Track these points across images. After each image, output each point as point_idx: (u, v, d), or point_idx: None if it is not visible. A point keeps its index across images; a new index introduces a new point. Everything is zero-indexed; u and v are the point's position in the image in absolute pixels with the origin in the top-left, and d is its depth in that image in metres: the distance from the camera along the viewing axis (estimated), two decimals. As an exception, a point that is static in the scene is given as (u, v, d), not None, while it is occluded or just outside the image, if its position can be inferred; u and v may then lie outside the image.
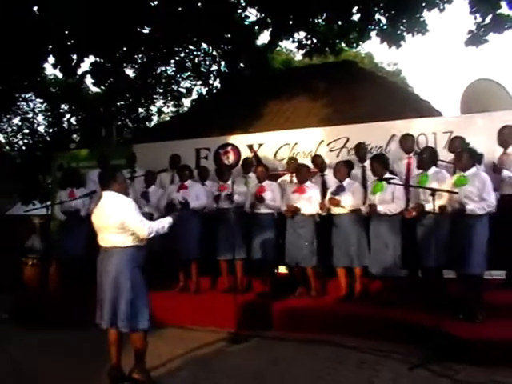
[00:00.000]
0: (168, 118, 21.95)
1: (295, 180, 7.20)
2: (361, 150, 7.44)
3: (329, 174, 7.29)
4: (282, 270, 7.65)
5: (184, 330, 6.40)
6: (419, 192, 5.94)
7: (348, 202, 6.57)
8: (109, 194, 4.54)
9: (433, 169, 6.01)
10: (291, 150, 8.41)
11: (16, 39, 10.85)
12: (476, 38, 10.93)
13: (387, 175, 6.19)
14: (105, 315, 4.38)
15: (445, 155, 6.66)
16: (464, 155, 5.68)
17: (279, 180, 7.70)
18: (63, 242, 7.87)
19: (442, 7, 11.62)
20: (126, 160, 8.44)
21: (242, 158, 8.58)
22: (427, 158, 6.06)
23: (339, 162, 6.99)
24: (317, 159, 7.66)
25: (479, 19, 10.78)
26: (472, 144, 6.43)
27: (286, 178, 7.74)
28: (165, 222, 4.67)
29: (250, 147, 8.76)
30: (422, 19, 12.07)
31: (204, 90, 21.11)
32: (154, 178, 8.00)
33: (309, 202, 6.83)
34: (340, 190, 6.68)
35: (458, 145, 6.55)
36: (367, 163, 7.08)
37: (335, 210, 6.68)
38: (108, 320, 4.37)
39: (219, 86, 19.20)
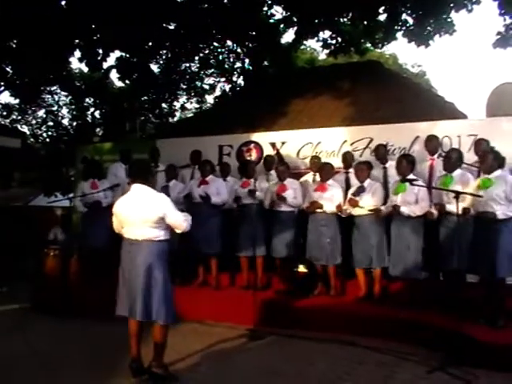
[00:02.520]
0: (191, 114, 22.06)
1: (318, 179, 7.19)
2: (381, 151, 7.35)
3: (353, 172, 7.24)
4: (302, 268, 7.62)
5: (202, 325, 6.42)
6: (442, 194, 5.89)
7: (368, 202, 6.53)
8: (140, 188, 4.55)
9: (458, 171, 5.95)
10: (314, 149, 8.37)
11: (43, 33, 10.98)
12: (504, 40, 10.86)
13: (411, 176, 6.15)
14: (137, 307, 4.39)
15: (469, 158, 6.58)
16: (489, 157, 5.60)
17: (302, 179, 7.68)
18: (85, 233, 7.97)
19: (470, 8, 11.52)
20: (150, 154, 8.46)
21: (265, 155, 8.57)
22: (454, 159, 6.00)
23: (360, 163, 6.96)
24: (348, 156, 7.55)
25: (508, 21, 10.67)
26: (496, 147, 6.35)
27: (309, 177, 7.71)
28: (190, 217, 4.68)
29: (273, 145, 8.74)
30: (449, 20, 11.98)
31: (227, 87, 21.25)
32: (174, 172, 8.02)
33: (330, 200, 6.80)
34: (361, 190, 6.64)
35: (482, 147, 6.47)
36: (388, 164, 7.06)
37: (356, 211, 6.65)
38: (140, 312, 4.38)
39: (243, 83, 19.25)
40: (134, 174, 4.77)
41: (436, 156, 6.85)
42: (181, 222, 4.51)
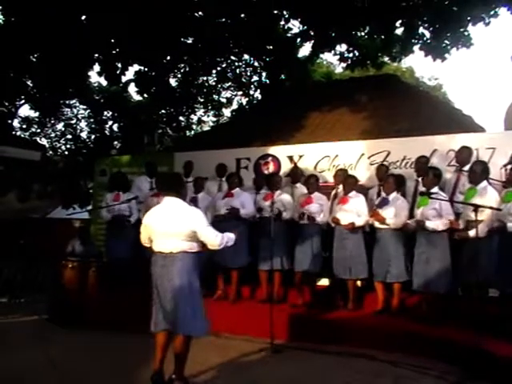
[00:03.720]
0: (207, 128, 22.17)
1: (340, 192, 7.21)
2: (420, 163, 7.20)
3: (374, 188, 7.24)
4: (322, 281, 7.59)
5: (219, 338, 6.38)
6: (464, 208, 5.86)
7: (390, 216, 6.51)
8: (173, 200, 4.58)
9: (483, 183, 5.87)
10: (331, 163, 8.38)
11: (63, 47, 11.13)
12: (523, 52, 10.80)
13: (435, 189, 6.12)
14: (173, 319, 4.42)
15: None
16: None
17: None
18: (108, 246, 8.08)
19: (487, 21, 11.48)
20: (183, 167, 8.58)
21: (282, 169, 8.63)
22: (479, 171, 5.93)
23: (389, 175, 6.92)
24: (380, 170, 7.48)
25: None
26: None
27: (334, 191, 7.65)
28: (231, 237, 4.70)
29: (291, 158, 8.77)
30: (466, 33, 11.96)
31: (244, 101, 21.32)
32: (202, 184, 8.07)
33: (354, 213, 6.81)
34: (384, 203, 6.63)
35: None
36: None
37: (377, 224, 6.65)
38: (181, 325, 4.39)
39: (260, 96, 19.33)
40: (166, 186, 4.78)
41: (467, 168, 6.52)
42: (213, 239, 4.51)
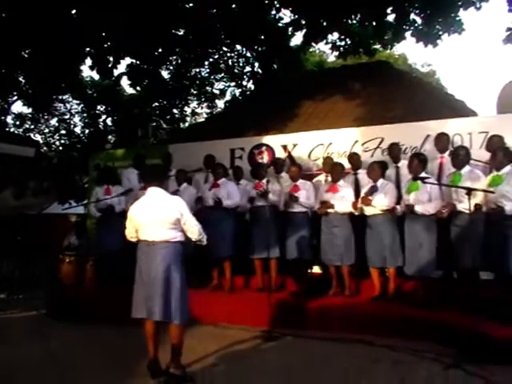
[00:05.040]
0: (202, 119, 22.15)
1: (330, 179, 7.22)
2: (394, 150, 7.36)
3: (362, 174, 7.25)
4: (316, 269, 7.63)
5: (217, 328, 6.44)
6: (451, 191, 5.90)
7: (381, 202, 6.53)
8: (156, 190, 4.66)
9: (466, 168, 5.93)
10: (325, 150, 8.40)
11: (54, 41, 11.09)
12: (515, 36, 10.80)
13: (423, 174, 6.15)
14: (156, 308, 4.43)
15: (481, 155, 6.57)
16: (498, 154, 5.61)
17: (314, 180, 7.71)
18: (99, 239, 8.06)
19: (478, 6, 11.47)
20: (163, 160, 8.52)
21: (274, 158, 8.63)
22: (462, 156, 5.99)
23: (373, 163, 6.95)
24: (353, 157, 7.61)
25: (517, 17, 10.66)
26: (507, 144, 6.34)
27: (321, 178, 7.75)
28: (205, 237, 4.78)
29: (285, 147, 8.78)
30: (458, 18, 11.96)
31: (238, 92, 21.29)
32: (184, 176, 8.07)
33: (342, 200, 6.85)
34: (373, 190, 6.65)
35: (495, 143, 6.42)
36: (401, 164, 7.05)
37: (368, 211, 6.68)
38: (160, 312, 4.42)
39: (253, 87, 19.32)
40: (149, 178, 4.86)
41: (447, 154, 6.82)
42: (195, 230, 4.62)
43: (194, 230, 4.62)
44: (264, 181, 7.37)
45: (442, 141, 6.92)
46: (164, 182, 4.78)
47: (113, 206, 7.82)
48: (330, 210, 6.87)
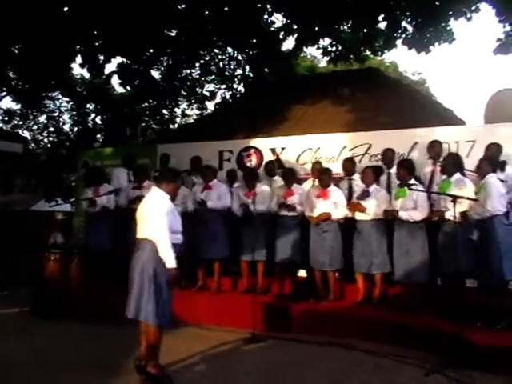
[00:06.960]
0: (191, 121, 22.14)
1: (317, 184, 7.24)
2: (388, 155, 7.34)
3: (357, 180, 7.23)
4: (302, 273, 7.65)
5: (202, 329, 6.45)
6: (440, 199, 5.95)
7: (371, 208, 6.55)
8: (154, 190, 4.74)
9: (456, 175, 5.96)
10: (314, 155, 8.44)
11: (45, 39, 11.06)
12: (505, 47, 10.94)
13: (412, 181, 6.19)
14: (130, 305, 4.47)
15: (468, 164, 6.62)
16: (482, 163, 5.72)
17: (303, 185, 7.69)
18: (88, 237, 8.03)
19: (469, 16, 11.57)
20: (160, 160, 8.53)
21: (265, 161, 8.60)
22: (450, 164, 6.05)
23: (367, 167, 6.93)
24: (346, 164, 7.51)
25: (508, 28, 10.77)
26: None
27: (309, 182, 7.72)
28: (172, 257, 4.53)
29: (273, 151, 8.81)
30: (448, 28, 12.05)
31: (228, 94, 21.30)
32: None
33: (334, 206, 6.84)
34: (365, 195, 6.66)
35: (492, 151, 6.42)
36: (393, 170, 7.04)
37: (358, 216, 6.70)
38: (132, 310, 4.46)
39: (243, 90, 19.33)
40: (159, 178, 4.92)
41: (437, 161, 6.78)
42: (159, 230, 4.46)
43: (156, 232, 4.47)
44: (253, 190, 7.23)
45: (434, 148, 6.93)
46: (167, 184, 4.71)
47: (103, 206, 7.82)
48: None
